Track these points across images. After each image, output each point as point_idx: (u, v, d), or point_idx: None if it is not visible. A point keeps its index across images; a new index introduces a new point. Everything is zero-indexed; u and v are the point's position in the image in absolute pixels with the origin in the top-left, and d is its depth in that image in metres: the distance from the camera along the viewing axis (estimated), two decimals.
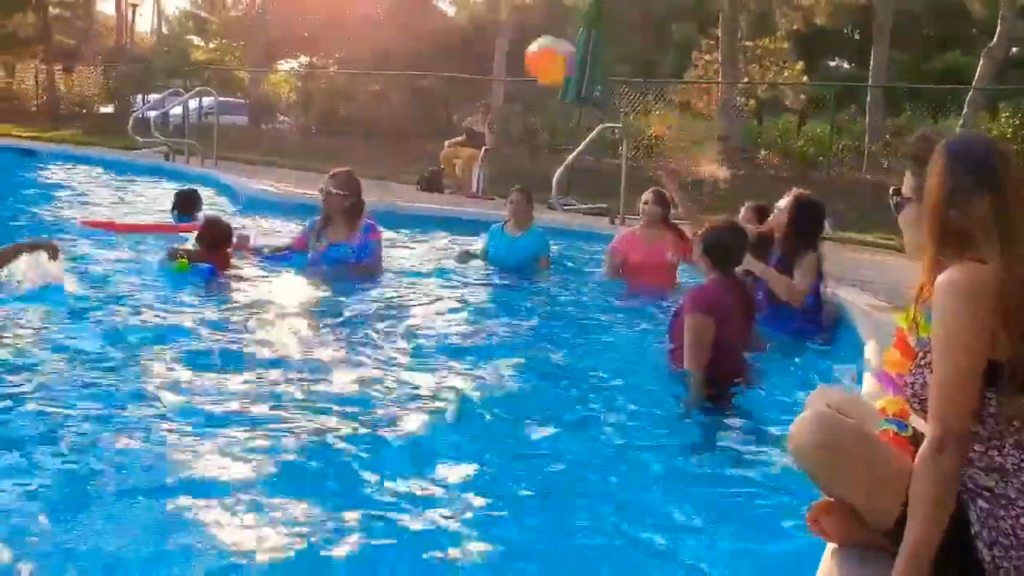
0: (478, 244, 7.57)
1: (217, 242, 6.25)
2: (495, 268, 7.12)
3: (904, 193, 2.27)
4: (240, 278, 6.21)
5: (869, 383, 3.88)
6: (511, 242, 7.18)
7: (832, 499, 2.27)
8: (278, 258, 6.71)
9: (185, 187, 9.48)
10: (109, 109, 27.48)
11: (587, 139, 11.81)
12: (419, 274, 6.97)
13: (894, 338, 2.33)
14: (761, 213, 5.93)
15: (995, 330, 1.98)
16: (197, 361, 4.28)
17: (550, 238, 7.54)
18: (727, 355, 4.13)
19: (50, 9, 30.83)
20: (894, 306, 5.92)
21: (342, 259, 6.47)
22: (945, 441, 2.00)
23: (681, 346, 4.15)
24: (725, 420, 3.89)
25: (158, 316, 5.12)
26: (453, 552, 2.65)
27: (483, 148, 13.38)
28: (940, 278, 2.04)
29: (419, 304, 5.95)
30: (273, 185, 12.06)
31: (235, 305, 5.52)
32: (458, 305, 6.00)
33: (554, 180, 10.81)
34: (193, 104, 18.71)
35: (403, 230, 9.22)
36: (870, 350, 4.51)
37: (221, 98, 19.74)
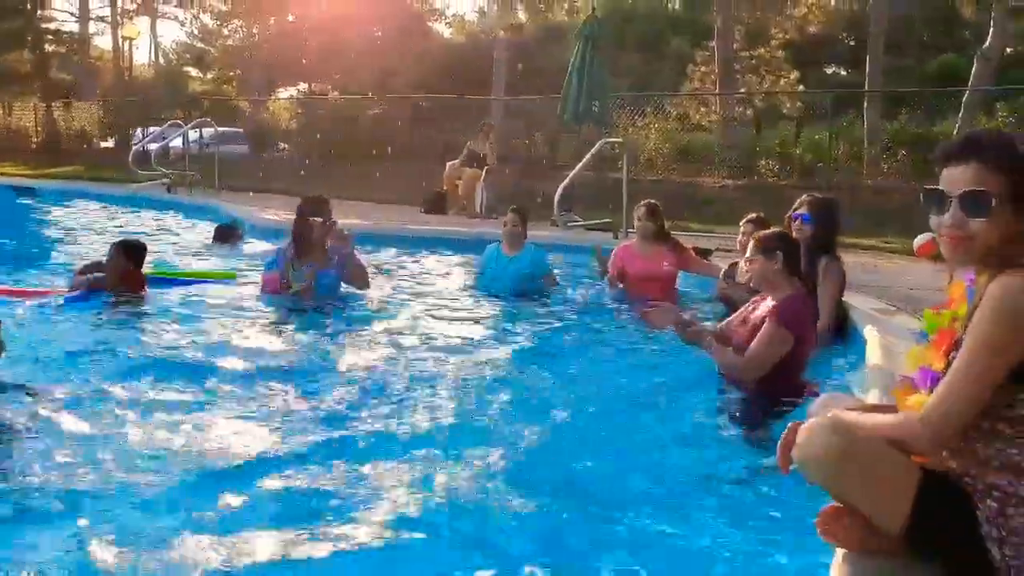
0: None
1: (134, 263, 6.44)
2: (491, 289, 7.10)
3: (1003, 193, 2.08)
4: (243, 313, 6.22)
5: (870, 378, 3.90)
6: (506, 262, 7.18)
7: (842, 505, 2.26)
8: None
9: (225, 220, 9.85)
10: (109, 143, 27.61)
11: (588, 155, 11.84)
12: (421, 295, 7.00)
13: (928, 340, 2.30)
14: (762, 226, 5.88)
15: None
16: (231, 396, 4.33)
17: (554, 254, 7.54)
18: (794, 377, 4.11)
19: (46, 46, 31.01)
20: (899, 309, 5.94)
21: (332, 285, 6.39)
22: (936, 439, 2.08)
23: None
24: (734, 429, 3.89)
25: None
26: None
27: (485, 168, 13.42)
28: (1001, 286, 2.03)
29: (422, 325, 5.97)
30: (276, 213, 12.11)
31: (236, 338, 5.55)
32: (464, 325, 6.02)
33: (556, 197, 10.84)
34: (193, 135, 18.80)
35: (407, 252, 9.26)
36: (872, 353, 4.53)
37: (221, 128, 19.83)
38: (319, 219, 6.29)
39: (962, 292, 2.22)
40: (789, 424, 2.32)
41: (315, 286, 6.28)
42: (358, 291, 6.55)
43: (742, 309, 4.46)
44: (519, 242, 7.18)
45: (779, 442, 2.33)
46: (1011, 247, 2.07)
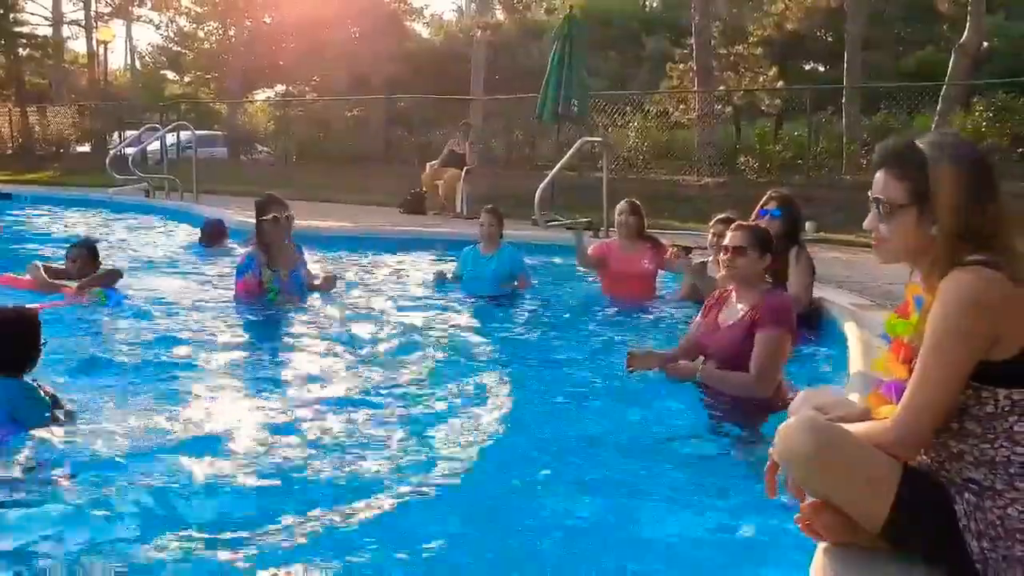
0: (451, 266, 7.56)
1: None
2: (470, 289, 7.04)
3: (896, 199, 2.20)
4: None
5: (854, 383, 3.89)
6: (483, 262, 7.15)
7: (823, 500, 2.25)
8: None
9: (212, 219, 9.76)
10: (86, 148, 27.40)
11: (567, 154, 11.84)
12: (400, 298, 6.95)
13: (890, 345, 2.32)
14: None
15: (1000, 331, 2.02)
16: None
17: (535, 255, 7.54)
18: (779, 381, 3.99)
19: (20, 50, 30.69)
20: (877, 304, 5.96)
21: (301, 284, 6.39)
22: (908, 443, 2.12)
23: (728, 360, 3.98)
24: (712, 423, 3.87)
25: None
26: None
27: (465, 168, 13.39)
28: (951, 281, 2.06)
29: (400, 328, 5.87)
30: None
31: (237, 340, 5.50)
32: (443, 328, 5.95)
33: (536, 196, 10.83)
34: (171, 139, 18.65)
35: (386, 254, 9.21)
36: (854, 350, 4.53)
37: (199, 131, 19.71)
38: (281, 215, 6.20)
39: (913, 296, 2.26)
40: (770, 450, 2.31)
41: (289, 286, 6.23)
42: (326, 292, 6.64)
43: (703, 313, 4.31)
44: (495, 242, 7.20)
45: (765, 468, 2.32)
46: (947, 249, 2.10)
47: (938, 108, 15.49)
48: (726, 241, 4.14)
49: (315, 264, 7.47)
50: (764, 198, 5.72)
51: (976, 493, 2.08)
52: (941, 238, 2.10)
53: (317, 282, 6.66)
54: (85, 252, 6.55)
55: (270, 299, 6.13)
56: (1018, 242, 2.10)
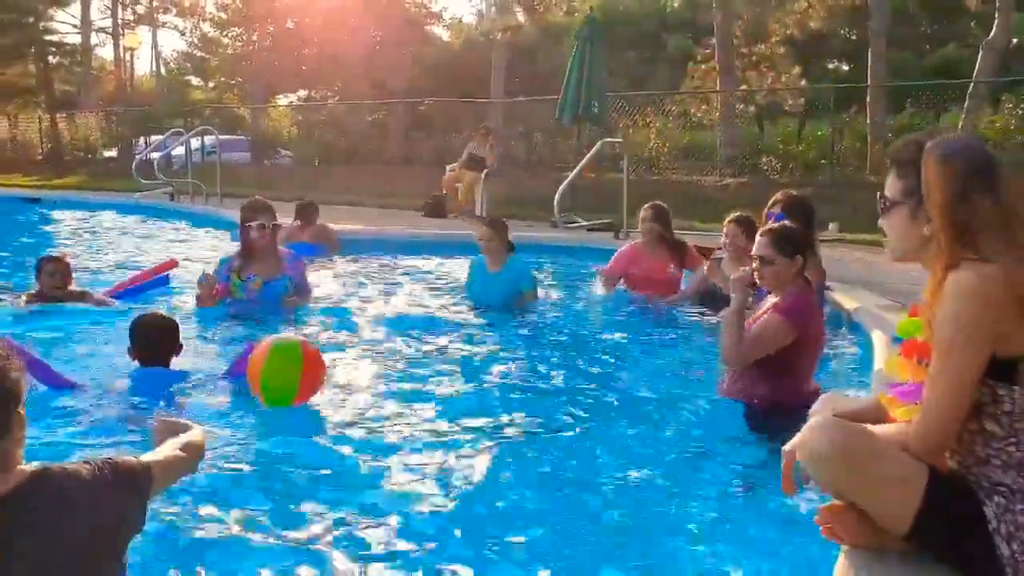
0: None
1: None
2: (480, 304, 6.55)
3: (892, 196, 2.25)
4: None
5: (877, 383, 3.85)
6: (490, 278, 6.57)
7: (844, 503, 2.24)
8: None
9: (304, 199, 9.89)
10: (113, 153, 27.72)
11: (588, 156, 11.82)
12: (416, 302, 6.86)
13: (899, 348, 2.30)
14: (747, 226, 5.70)
15: (1008, 327, 2.00)
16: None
17: (556, 257, 7.39)
18: (801, 380, 3.92)
19: (49, 58, 31.13)
20: (903, 306, 5.90)
21: (280, 293, 5.99)
22: (930, 445, 2.11)
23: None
24: (734, 426, 3.84)
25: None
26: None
27: (484, 171, 13.38)
28: (951, 281, 2.05)
29: (416, 335, 5.73)
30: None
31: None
32: (464, 331, 5.86)
33: (556, 198, 10.82)
34: (196, 143, 18.81)
35: (407, 257, 9.21)
36: (879, 351, 4.49)
37: (222, 136, 19.87)
38: (252, 223, 5.96)
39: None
40: (784, 450, 2.31)
41: (260, 295, 5.91)
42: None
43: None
44: (499, 257, 6.55)
45: (782, 467, 2.32)
46: (941, 247, 2.09)
47: (966, 106, 15.31)
48: (753, 251, 4.04)
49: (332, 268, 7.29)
50: (772, 200, 5.52)
51: (1006, 496, 2.06)
52: (935, 236, 2.11)
53: (291, 298, 6.04)
54: (64, 267, 6.08)
55: (237, 299, 5.90)
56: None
